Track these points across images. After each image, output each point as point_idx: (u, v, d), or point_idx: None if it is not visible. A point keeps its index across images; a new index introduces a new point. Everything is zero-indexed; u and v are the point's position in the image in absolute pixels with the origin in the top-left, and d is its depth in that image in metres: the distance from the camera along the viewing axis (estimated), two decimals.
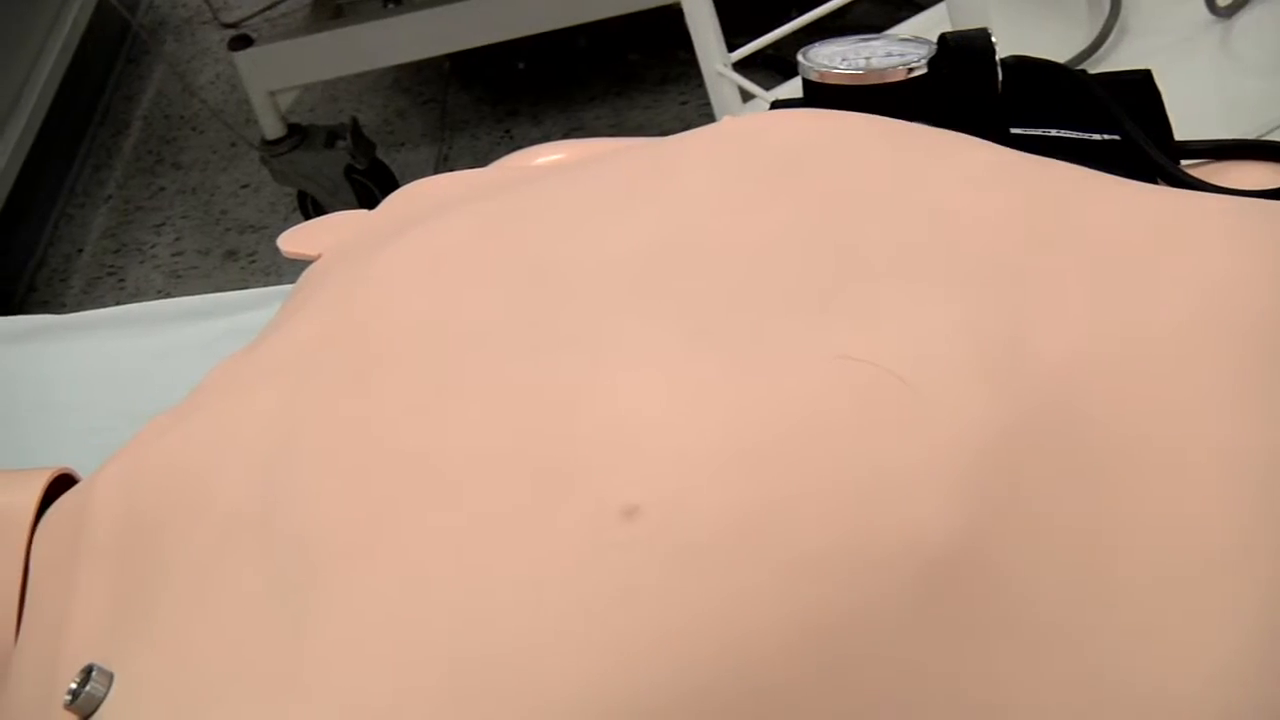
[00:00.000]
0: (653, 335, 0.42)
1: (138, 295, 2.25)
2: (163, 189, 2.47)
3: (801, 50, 0.62)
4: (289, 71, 2.15)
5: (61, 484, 0.56)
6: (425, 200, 0.58)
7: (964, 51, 0.58)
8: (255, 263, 2.24)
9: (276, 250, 2.15)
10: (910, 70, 0.59)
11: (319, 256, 0.59)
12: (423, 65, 2.49)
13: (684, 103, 2.31)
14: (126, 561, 0.46)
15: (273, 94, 2.14)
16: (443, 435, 0.41)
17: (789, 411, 0.38)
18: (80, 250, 2.38)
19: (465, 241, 0.49)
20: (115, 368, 0.87)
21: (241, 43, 2.10)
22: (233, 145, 2.50)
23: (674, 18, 2.12)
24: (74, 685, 0.42)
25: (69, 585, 0.47)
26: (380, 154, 2.22)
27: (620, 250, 0.46)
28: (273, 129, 2.15)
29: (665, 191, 0.48)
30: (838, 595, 0.36)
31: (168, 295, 2.21)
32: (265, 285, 1.84)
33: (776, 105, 0.65)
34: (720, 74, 1.37)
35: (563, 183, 0.51)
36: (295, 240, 0.61)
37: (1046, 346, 0.41)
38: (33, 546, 0.51)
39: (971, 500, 0.37)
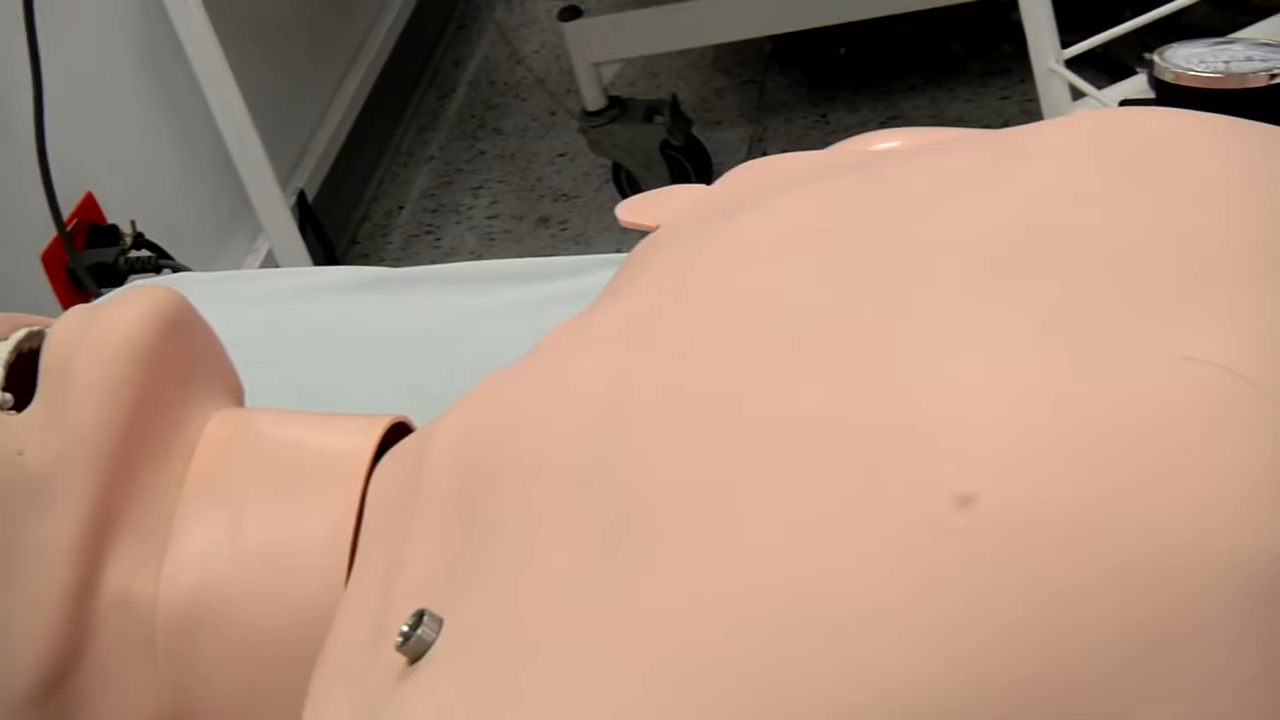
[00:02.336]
0: (998, 322, 0.41)
1: (451, 255, 2.31)
2: (482, 153, 2.54)
3: (1157, 50, 0.61)
4: (614, 44, 2.18)
5: (396, 432, 0.58)
6: (765, 178, 0.58)
7: None
8: (566, 231, 2.28)
9: (588, 219, 2.20)
10: (1273, 76, 0.57)
11: (655, 228, 0.59)
12: (744, 45, 2.50)
13: (1005, 98, 2.27)
14: (462, 511, 0.47)
15: (597, 66, 2.18)
16: (778, 407, 0.41)
17: (1132, 412, 0.37)
18: (401, 208, 2.46)
19: (807, 218, 0.49)
20: (441, 324, 0.90)
21: (571, 14, 2.14)
22: (552, 114, 2.55)
23: (999, 11, 2.09)
24: (406, 628, 0.43)
25: (404, 530, 0.49)
26: (696, 131, 2.24)
27: (968, 234, 0.45)
28: (594, 100, 2.19)
29: (1017, 179, 0.47)
30: (1171, 604, 0.35)
31: (480, 257, 2.27)
32: (575, 254, 1.88)
33: (1126, 104, 0.63)
34: (1052, 71, 1.34)
35: (907, 166, 0.51)
36: (633, 210, 0.62)
37: None
38: (368, 491, 0.53)
39: None
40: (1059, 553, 0.35)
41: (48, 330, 0.55)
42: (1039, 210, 0.45)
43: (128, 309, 0.55)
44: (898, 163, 0.52)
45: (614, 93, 2.23)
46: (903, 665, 0.35)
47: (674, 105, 2.19)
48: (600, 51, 2.17)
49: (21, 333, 0.55)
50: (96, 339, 0.53)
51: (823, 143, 2.21)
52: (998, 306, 0.42)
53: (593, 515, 0.42)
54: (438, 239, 2.36)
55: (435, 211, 2.43)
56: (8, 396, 0.53)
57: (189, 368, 0.57)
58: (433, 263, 1.54)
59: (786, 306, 0.45)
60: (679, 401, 0.44)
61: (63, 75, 1.69)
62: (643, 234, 0.61)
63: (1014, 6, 1.39)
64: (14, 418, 0.53)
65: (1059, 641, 0.35)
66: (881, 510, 0.37)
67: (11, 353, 0.54)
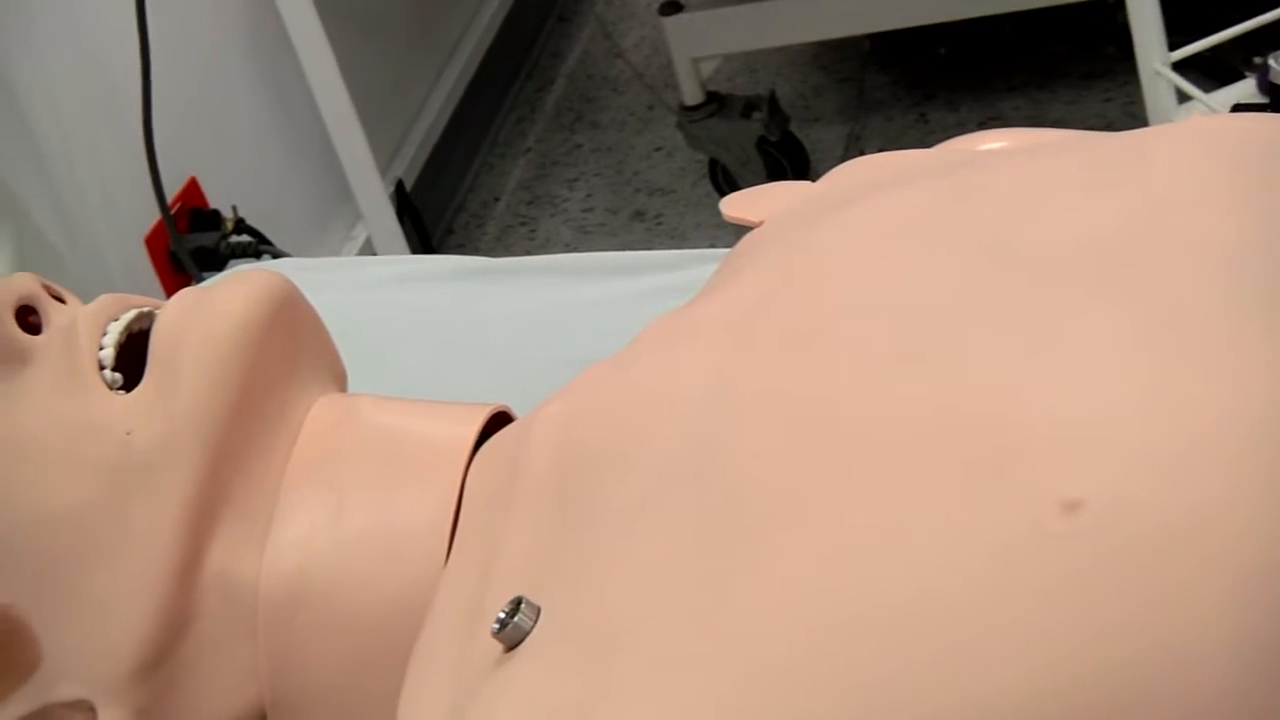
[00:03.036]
0: (1106, 324, 0.41)
1: (546, 247, 2.32)
2: (579, 146, 2.54)
3: (1271, 55, 0.60)
4: (714, 39, 2.18)
5: (497, 421, 0.59)
6: (871, 175, 0.58)
7: None
8: (661, 225, 2.28)
9: (683, 214, 2.20)
10: None
11: (759, 224, 0.59)
12: (843, 43, 2.49)
13: (1107, 100, 2.24)
14: (560, 500, 0.47)
15: (695, 61, 2.17)
16: (880, 407, 0.41)
17: (1239, 419, 0.37)
18: (497, 199, 2.47)
19: (913, 216, 0.49)
20: (541, 314, 0.90)
21: (671, 8, 2.13)
22: (650, 108, 2.55)
23: (1103, 12, 2.06)
24: (503, 615, 0.43)
25: (503, 517, 0.49)
26: (793, 128, 2.23)
27: (1079, 235, 0.44)
28: (692, 95, 2.19)
29: (1130, 181, 0.47)
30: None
31: (574, 250, 2.28)
32: (669, 248, 1.88)
33: (1238, 109, 0.63)
34: (1158, 73, 1.32)
35: (1016, 165, 0.50)
36: (737, 206, 0.62)
37: None
38: (468, 479, 0.53)
39: None
40: (1168, 558, 0.35)
41: (157, 312, 0.56)
42: (1152, 212, 0.45)
43: (237, 292, 0.55)
44: (1006, 163, 0.51)
45: (712, 88, 2.22)
46: (997, 668, 0.35)
47: (772, 102, 2.18)
48: (699, 47, 2.17)
49: (132, 313, 0.56)
50: (206, 321, 0.54)
51: (921, 142, 2.20)
52: (1104, 309, 0.41)
53: (691, 511, 0.42)
54: (533, 231, 2.37)
55: (531, 203, 2.44)
56: (117, 376, 0.54)
57: (295, 352, 0.57)
58: (528, 254, 1.54)
59: (891, 305, 0.45)
60: (782, 400, 0.43)
61: (171, 63, 1.71)
62: (741, 230, 0.61)
63: (1119, 8, 1.37)
64: (123, 398, 0.53)
65: (1156, 646, 0.34)
66: (983, 513, 0.37)
67: (122, 333, 0.55)
